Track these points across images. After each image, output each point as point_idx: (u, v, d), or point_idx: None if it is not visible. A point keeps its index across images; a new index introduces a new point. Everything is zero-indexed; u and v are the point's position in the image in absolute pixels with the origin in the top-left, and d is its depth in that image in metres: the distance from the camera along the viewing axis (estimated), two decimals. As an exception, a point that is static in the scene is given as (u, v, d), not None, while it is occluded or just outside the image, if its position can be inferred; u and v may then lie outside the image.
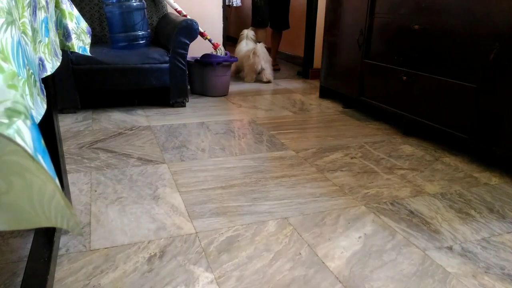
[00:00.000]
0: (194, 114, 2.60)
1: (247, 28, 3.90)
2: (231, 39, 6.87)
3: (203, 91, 3.10)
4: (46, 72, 0.86)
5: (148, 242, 1.21)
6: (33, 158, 0.41)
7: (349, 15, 2.69)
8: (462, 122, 1.87)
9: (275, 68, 4.07)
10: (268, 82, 3.64)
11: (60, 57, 1.06)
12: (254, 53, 3.56)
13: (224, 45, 3.50)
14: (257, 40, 3.80)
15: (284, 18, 4.13)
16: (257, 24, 4.06)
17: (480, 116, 1.78)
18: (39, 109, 0.65)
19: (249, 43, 3.83)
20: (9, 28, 0.51)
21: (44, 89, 0.72)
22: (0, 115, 0.39)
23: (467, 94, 1.83)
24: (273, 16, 4.08)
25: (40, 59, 0.82)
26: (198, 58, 3.02)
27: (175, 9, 3.05)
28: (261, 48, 3.56)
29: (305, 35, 3.99)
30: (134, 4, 2.68)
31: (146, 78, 2.60)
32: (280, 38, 4.23)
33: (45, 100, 0.71)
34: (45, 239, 1.11)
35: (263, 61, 3.57)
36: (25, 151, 0.40)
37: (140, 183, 1.59)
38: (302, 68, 4.12)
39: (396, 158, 1.92)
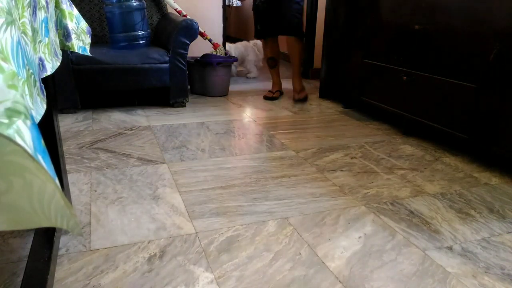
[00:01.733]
0: (194, 114, 2.60)
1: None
2: (231, 39, 6.88)
3: (203, 91, 3.10)
4: (46, 72, 0.86)
5: (148, 242, 1.21)
6: (33, 158, 0.41)
7: (349, 15, 2.68)
8: (462, 122, 1.87)
9: (301, 98, 2.99)
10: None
11: (60, 57, 1.06)
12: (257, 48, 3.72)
13: (224, 45, 3.50)
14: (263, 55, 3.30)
15: (287, 19, 2.94)
16: (256, 34, 3.07)
17: (480, 116, 1.78)
18: (39, 109, 0.65)
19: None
20: (9, 28, 0.51)
21: (44, 89, 0.72)
22: (0, 115, 0.39)
23: (467, 94, 1.83)
24: (277, 18, 2.97)
25: (40, 59, 0.82)
26: (198, 58, 3.01)
27: (175, 9, 3.05)
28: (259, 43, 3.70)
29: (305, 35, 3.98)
30: (134, 4, 2.68)
31: (146, 78, 2.60)
32: (298, 48, 3.03)
33: (45, 100, 0.71)
34: (45, 239, 1.11)
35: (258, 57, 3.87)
36: (25, 151, 0.40)
37: (140, 183, 1.59)
38: (302, 68, 4.11)
39: (396, 158, 1.92)
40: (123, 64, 2.53)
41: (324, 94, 3.14)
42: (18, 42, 0.53)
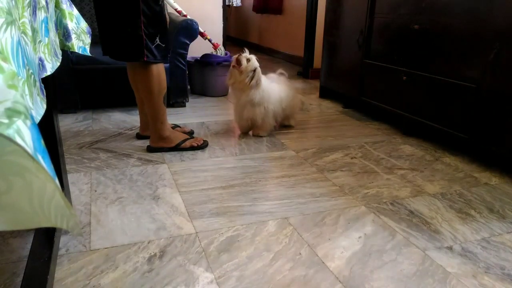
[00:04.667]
0: (194, 114, 2.60)
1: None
2: (231, 39, 6.88)
3: (203, 91, 3.10)
4: (46, 72, 0.86)
5: (148, 242, 1.21)
6: (33, 158, 0.41)
7: (349, 15, 2.68)
8: (462, 122, 1.87)
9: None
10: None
11: (60, 57, 1.06)
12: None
13: (224, 45, 3.50)
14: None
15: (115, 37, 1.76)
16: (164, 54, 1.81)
17: (480, 116, 1.78)
18: (39, 109, 0.65)
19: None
20: (9, 28, 0.51)
21: (44, 89, 0.72)
22: (0, 115, 0.39)
23: (467, 94, 1.83)
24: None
25: (40, 59, 0.82)
26: (198, 58, 3.01)
27: (175, 9, 3.04)
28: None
29: (305, 35, 3.99)
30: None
31: (146, 78, 2.59)
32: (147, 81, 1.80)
33: (45, 100, 0.71)
34: (45, 239, 1.11)
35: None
36: (25, 151, 0.40)
37: (140, 183, 1.59)
38: (302, 68, 4.12)
39: (396, 158, 1.92)
40: (123, 64, 2.53)
41: (324, 94, 3.14)
42: (18, 42, 0.53)
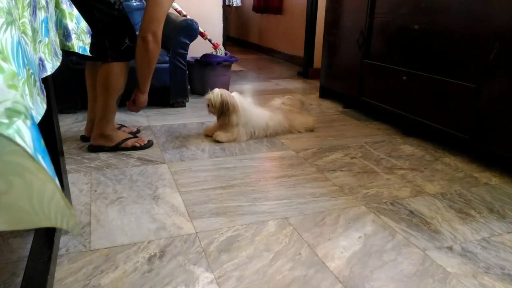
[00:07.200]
0: (194, 114, 2.60)
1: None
2: (231, 39, 6.88)
3: (203, 91, 3.10)
4: (46, 72, 0.86)
5: (148, 242, 1.21)
6: (33, 158, 0.41)
7: (349, 15, 2.69)
8: (462, 122, 1.87)
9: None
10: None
11: (60, 57, 1.06)
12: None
13: (224, 45, 3.50)
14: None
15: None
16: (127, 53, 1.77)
17: (480, 116, 1.78)
18: (39, 109, 0.65)
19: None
20: (9, 28, 0.51)
21: (44, 89, 0.72)
22: (0, 115, 0.39)
23: (467, 94, 1.83)
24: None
25: (40, 59, 0.82)
26: (198, 58, 3.01)
27: (175, 9, 3.05)
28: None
29: (305, 35, 3.99)
30: (134, 4, 2.68)
31: (146, 78, 2.59)
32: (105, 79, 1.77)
33: (45, 100, 0.71)
34: (45, 239, 1.11)
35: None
36: (25, 151, 0.40)
37: (140, 183, 1.59)
38: (302, 68, 4.12)
39: (396, 158, 1.92)
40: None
41: (324, 94, 3.14)
42: (18, 42, 0.53)
